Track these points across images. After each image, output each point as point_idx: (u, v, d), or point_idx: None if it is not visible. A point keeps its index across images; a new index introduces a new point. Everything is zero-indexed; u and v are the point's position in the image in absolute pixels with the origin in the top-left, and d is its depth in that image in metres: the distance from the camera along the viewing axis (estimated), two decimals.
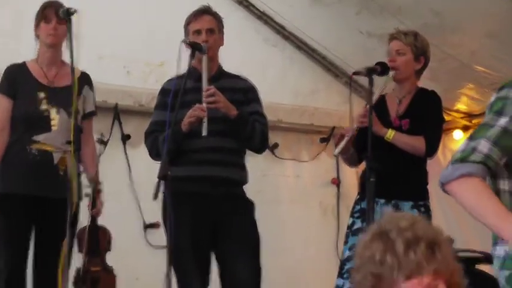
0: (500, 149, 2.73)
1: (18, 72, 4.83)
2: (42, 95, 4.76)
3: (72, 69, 4.45)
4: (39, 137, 4.71)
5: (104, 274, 5.51)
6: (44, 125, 4.72)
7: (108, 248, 5.61)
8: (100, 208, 5.03)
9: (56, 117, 4.74)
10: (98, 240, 5.45)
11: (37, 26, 4.80)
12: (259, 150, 4.82)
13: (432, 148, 4.80)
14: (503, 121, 2.76)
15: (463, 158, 2.74)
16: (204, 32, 4.65)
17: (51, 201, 4.64)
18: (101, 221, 5.30)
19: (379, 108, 4.84)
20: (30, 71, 4.83)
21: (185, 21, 4.75)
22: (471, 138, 2.80)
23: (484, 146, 2.73)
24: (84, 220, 5.07)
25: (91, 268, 5.42)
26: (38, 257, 4.78)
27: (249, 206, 4.71)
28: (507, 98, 2.80)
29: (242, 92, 4.73)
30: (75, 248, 5.06)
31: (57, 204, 4.50)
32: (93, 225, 5.32)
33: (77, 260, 5.28)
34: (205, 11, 4.74)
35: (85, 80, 4.90)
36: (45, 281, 4.68)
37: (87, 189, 4.94)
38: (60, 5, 4.71)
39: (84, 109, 4.92)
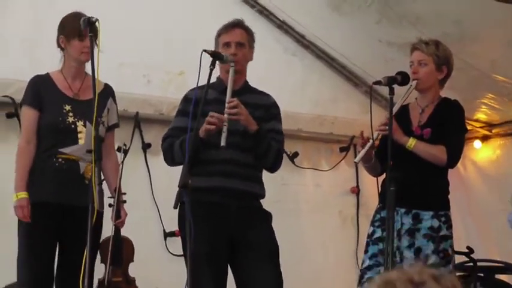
0: None
1: (42, 83, 4.82)
2: (68, 107, 4.77)
3: (94, 79, 4.44)
4: (66, 150, 4.73)
5: (126, 285, 5.53)
6: (72, 137, 4.73)
7: (131, 259, 5.63)
8: (124, 219, 5.02)
9: (83, 130, 4.75)
10: (121, 251, 5.46)
11: (68, 41, 4.75)
12: (271, 169, 4.76)
13: (453, 158, 4.78)
14: None
15: None
16: (233, 45, 4.62)
17: (76, 209, 4.62)
18: (121, 229, 5.32)
19: (402, 117, 4.84)
20: (55, 82, 4.83)
21: (216, 33, 4.73)
22: None
23: None
24: (107, 231, 5.06)
25: (112, 279, 5.41)
26: (62, 266, 4.79)
27: (266, 216, 4.71)
28: None
29: (264, 109, 4.72)
30: (99, 259, 5.07)
31: (82, 213, 4.45)
32: (117, 236, 5.32)
33: (100, 271, 5.29)
34: (237, 24, 4.71)
35: (109, 92, 4.94)
36: None
37: (110, 200, 4.95)
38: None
39: (109, 121, 4.93)
